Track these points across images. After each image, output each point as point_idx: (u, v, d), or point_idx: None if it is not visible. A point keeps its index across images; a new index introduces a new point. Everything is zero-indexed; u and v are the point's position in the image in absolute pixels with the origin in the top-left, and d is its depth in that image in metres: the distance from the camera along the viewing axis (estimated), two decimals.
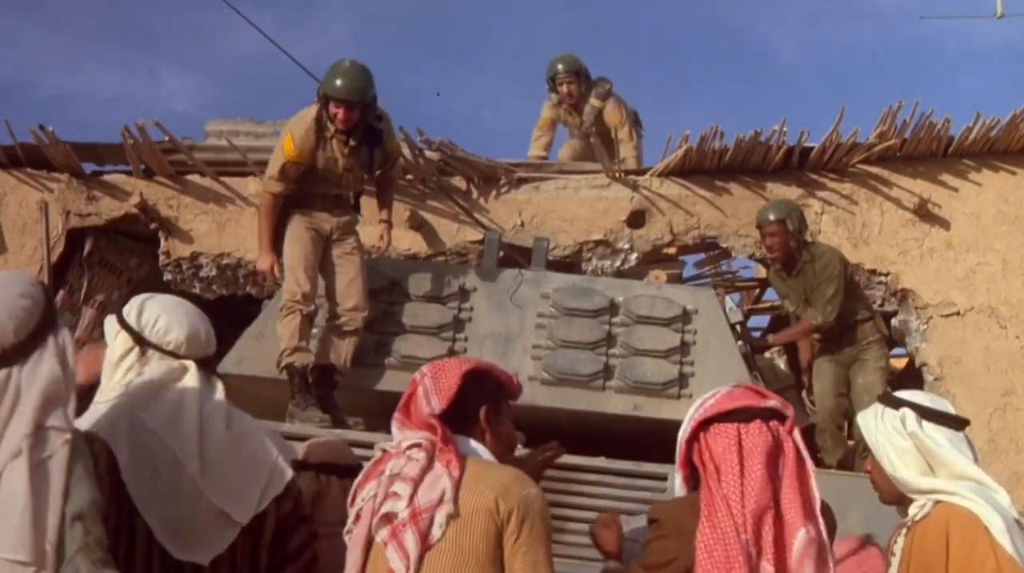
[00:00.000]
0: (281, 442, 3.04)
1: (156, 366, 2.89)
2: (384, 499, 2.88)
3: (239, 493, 2.76)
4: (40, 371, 2.43)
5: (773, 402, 2.88)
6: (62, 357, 2.48)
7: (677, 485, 2.98)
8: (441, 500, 2.83)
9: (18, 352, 2.43)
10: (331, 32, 31.97)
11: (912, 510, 2.95)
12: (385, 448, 3.05)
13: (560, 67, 8.39)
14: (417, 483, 2.87)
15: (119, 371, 2.92)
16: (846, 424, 6.69)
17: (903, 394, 3.10)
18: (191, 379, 2.88)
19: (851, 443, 6.56)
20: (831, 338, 6.64)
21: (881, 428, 3.03)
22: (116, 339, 2.97)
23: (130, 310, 2.98)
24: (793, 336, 6.87)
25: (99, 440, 2.64)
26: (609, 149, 8.21)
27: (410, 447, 2.97)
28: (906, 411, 3.00)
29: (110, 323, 3.01)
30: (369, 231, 6.71)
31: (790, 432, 2.84)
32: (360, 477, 3.02)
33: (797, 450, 2.82)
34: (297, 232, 6.00)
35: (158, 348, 2.92)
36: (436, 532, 2.80)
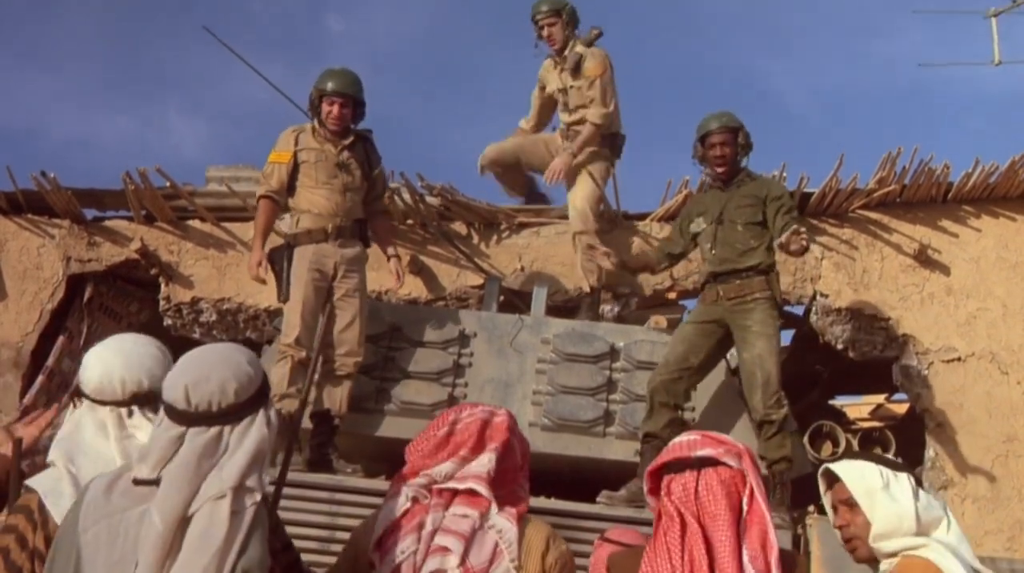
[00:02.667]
0: None
1: (76, 415, 2.99)
2: (427, 555, 2.86)
3: None
4: (250, 435, 2.60)
5: (727, 453, 2.92)
6: (269, 429, 2.64)
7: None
8: (493, 560, 2.83)
9: (231, 413, 2.60)
10: None
11: (883, 567, 2.99)
12: (417, 496, 3.00)
13: (542, 7, 7.44)
14: (468, 541, 2.86)
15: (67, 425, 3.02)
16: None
17: (880, 456, 3.17)
18: (100, 426, 2.94)
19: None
20: (707, 288, 6.09)
21: (897, 492, 3.04)
22: None
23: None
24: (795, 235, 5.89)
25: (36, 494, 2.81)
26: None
27: (453, 499, 2.95)
28: (908, 476, 3.05)
29: None
30: (372, 277, 6.72)
31: (746, 482, 2.88)
32: (387, 524, 2.96)
33: (753, 501, 2.86)
34: (299, 273, 6.01)
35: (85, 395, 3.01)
36: None
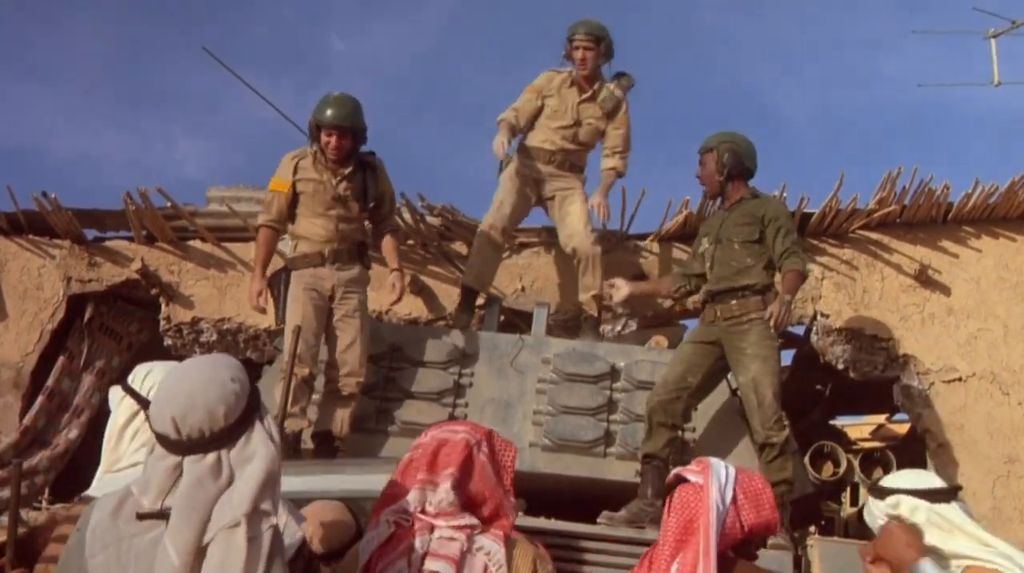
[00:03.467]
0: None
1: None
2: None
3: None
4: (253, 455, 2.50)
5: (692, 472, 3.06)
6: (275, 444, 2.54)
7: None
8: None
9: (226, 436, 2.50)
10: None
11: None
12: (399, 521, 2.99)
13: (582, 29, 7.17)
14: (459, 565, 2.85)
15: (125, 438, 2.93)
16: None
17: (888, 481, 3.16)
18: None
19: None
20: (706, 308, 6.10)
21: (878, 517, 3.06)
22: (120, 406, 2.97)
23: (135, 376, 2.98)
24: (794, 288, 5.99)
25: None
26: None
27: (435, 521, 2.95)
28: (899, 498, 3.05)
29: (114, 392, 3.02)
30: (372, 296, 6.72)
31: (703, 498, 2.97)
32: (373, 548, 2.95)
33: (706, 517, 2.91)
34: (295, 294, 6.03)
35: None
36: None
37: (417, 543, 2.90)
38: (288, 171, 6.22)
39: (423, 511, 2.97)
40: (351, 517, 3.79)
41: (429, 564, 2.85)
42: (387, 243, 6.53)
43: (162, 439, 2.50)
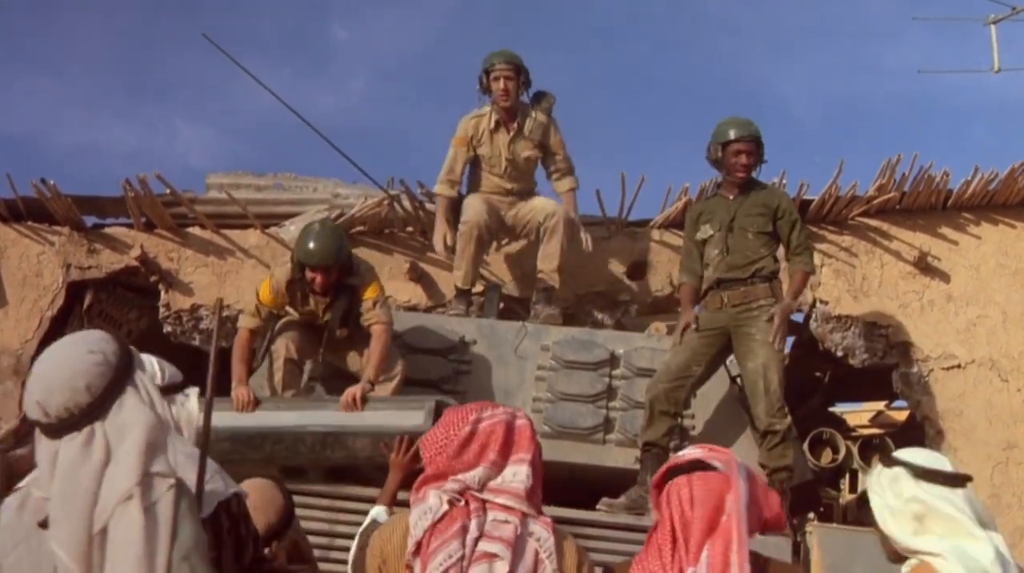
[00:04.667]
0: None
1: None
2: (472, 561, 2.81)
3: None
4: (126, 421, 2.42)
5: (716, 459, 2.93)
6: (149, 404, 2.48)
7: None
8: (535, 569, 2.82)
9: (96, 408, 2.42)
10: (347, 87, 32.20)
11: (903, 570, 2.95)
12: (452, 500, 2.92)
13: (501, 59, 7.00)
14: (514, 548, 2.83)
15: None
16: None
17: (900, 453, 3.09)
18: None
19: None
20: (710, 295, 6.10)
21: (876, 486, 3.03)
22: None
23: None
24: (800, 291, 6.25)
25: None
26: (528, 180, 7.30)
27: (493, 506, 2.92)
28: (899, 471, 2.99)
29: None
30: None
31: (732, 488, 2.89)
32: (427, 527, 2.87)
33: (736, 506, 2.87)
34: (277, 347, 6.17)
35: None
36: None
37: (473, 524, 2.85)
38: (280, 289, 6.09)
39: (479, 490, 2.93)
40: (281, 495, 3.73)
41: (484, 545, 2.81)
42: (373, 345, 6.07)
43: (39, 425, 2.45)
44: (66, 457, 2.38)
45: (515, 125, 7.09)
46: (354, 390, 5.73)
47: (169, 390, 3.10)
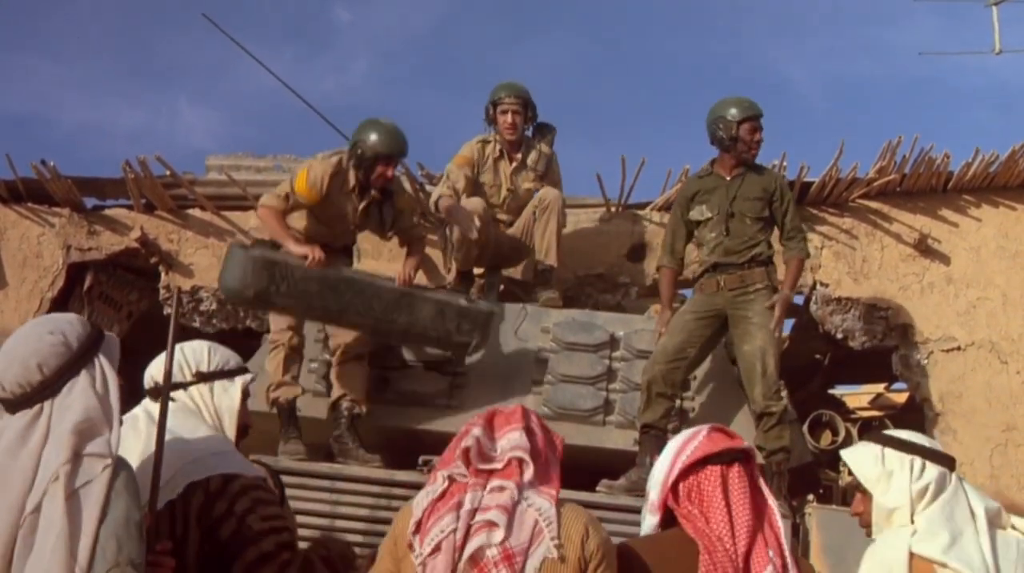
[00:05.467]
0: None
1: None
2: (468, 532, 2.81)
3: None
4: (72, 403, 2.50)
5: (745, 444, 2.99)
6: (99, 388, 2.55)
7: (648, 526, 3.05)
8: (532, 541, 2.81)
9: (48, 387, 2.52)
10: (349, 69, 32.19)
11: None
12: (453, 477, 2.95)
13: (509, 93, 6.97)
14: (511, 514, 2.83)
15: None
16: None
17: (902, 436, 3.10)
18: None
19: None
20: (706, 277, 6.09)
21: (884, 470, 3.03)
22: None
23: None
24: (797, 280, 6.21)
25: None
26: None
27: (490, 477, 2.93)
28: (916, 458, 3.00)
29: None
30: (372, 265, 6.71)
31: (754, 472, 2.95)
32: (426, 506, 2.91)
33: (762, 490, 2.94)
34: None
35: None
36: None
37: (468, 497, 2.87)
38: (323, 188, 5.95)
39: (481, 466, 2.94)
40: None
41: (481, 516, 2.81)
42: (411, 248, 6.34)
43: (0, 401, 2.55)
44: (10, 433, 2.48)
45: (519, 156, 7.02)
46: (406, 271, 5.96)
47: (214, 377, 3.16)
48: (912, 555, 2.88)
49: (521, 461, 2.92)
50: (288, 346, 5.87)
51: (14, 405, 2.51)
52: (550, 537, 2.80)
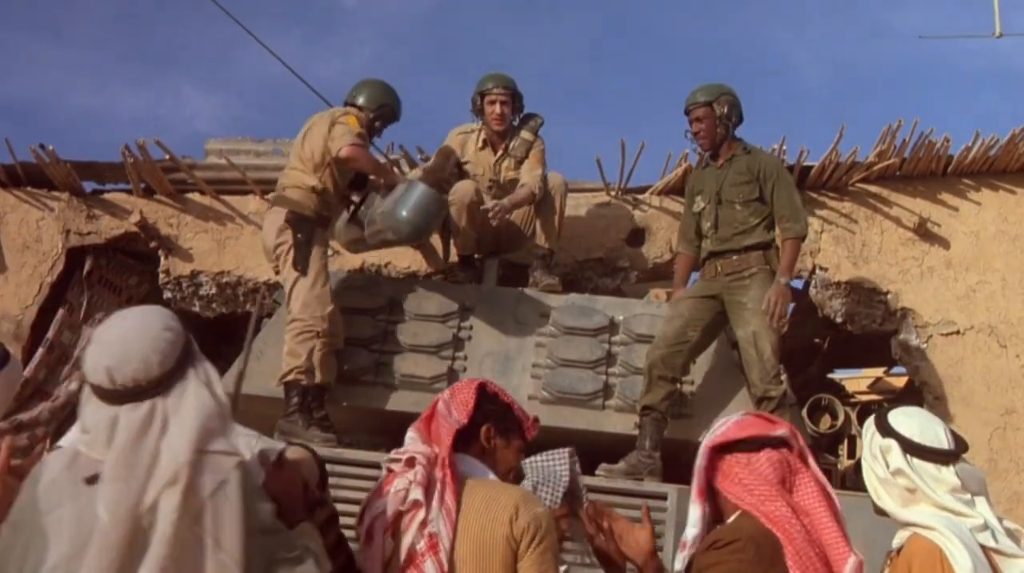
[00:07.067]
0: None
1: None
2: (395, 518, 2.91)
3: None
4: (187, 401, 2.50)
5: (783, 430, 2.88)
6: (210, 387, 2.55)
7: (696, 517, 2.89)
8: (455, 528, 2.86)
9: (160, 384, 2.50)
10: (355, 52, 32.16)
11: (895, 541, 2.96)
12: (391, 467, 3.07)
13: (497, 83, 6.91)
14: (424, 486, 2.92)
15: None
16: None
17: (896, 420, 3.06)
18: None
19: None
20: (707, 265, 6.13)
21: (868, 454, 3.03)
22: None
23: None
24: (793, 262, 6.10)
25: None
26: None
27: (409, 463, 2.99)
28: (892, 443, 2.98)
29: None
30: (373, 254, 6.71)
31: (803, 459, 2.86)
32: (370, 495, 3.03)
33: (816, 477, 2.83)
34: (317, 255, 6.00)
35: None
36: (458, 562, 2.83)
37: (398, 480, 2.98)
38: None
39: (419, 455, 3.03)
40: (316, 465, 3.78)
41: (406, 500, 2.92)
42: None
43: (98, 390, 2.50)
44: (127, 424, 2.44)
45: (503, 146, 6.98)
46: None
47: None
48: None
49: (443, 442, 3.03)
50: (318, 336, 5.88)
51: (120, 397, 2.48)
52: (451, 499, 2.91)
